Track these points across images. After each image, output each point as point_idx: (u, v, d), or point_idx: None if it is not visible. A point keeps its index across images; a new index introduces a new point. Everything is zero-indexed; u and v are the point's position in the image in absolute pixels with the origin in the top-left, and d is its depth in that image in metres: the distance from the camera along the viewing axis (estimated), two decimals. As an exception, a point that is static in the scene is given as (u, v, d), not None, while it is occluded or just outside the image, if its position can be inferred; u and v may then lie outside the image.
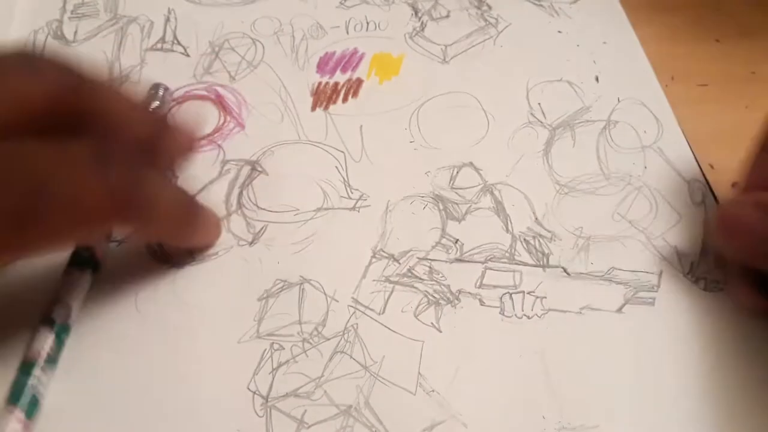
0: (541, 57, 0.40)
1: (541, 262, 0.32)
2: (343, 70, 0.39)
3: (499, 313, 0.30)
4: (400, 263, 0.31)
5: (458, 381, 0.28)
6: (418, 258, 0.31)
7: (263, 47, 0.40)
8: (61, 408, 0.27)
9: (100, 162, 0.23)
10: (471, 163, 0.35)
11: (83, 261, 0.29)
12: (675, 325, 0.30)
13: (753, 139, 0.30)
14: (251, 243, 0.32)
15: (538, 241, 0.32)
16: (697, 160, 0.35)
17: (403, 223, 0.33)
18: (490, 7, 0.43)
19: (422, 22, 0.42)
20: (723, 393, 0.28)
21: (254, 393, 0.28)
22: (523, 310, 0.30)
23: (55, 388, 0.27)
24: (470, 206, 0.33)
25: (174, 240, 0.30)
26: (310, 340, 0.29)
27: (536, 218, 0.33)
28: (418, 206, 0.33)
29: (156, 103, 0.35)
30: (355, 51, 0.40)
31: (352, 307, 0.30)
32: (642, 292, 0.31)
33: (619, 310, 0.30)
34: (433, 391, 0.28)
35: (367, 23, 0.41)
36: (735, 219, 0.28)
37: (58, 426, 0.27)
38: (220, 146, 0.35)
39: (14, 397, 0.26)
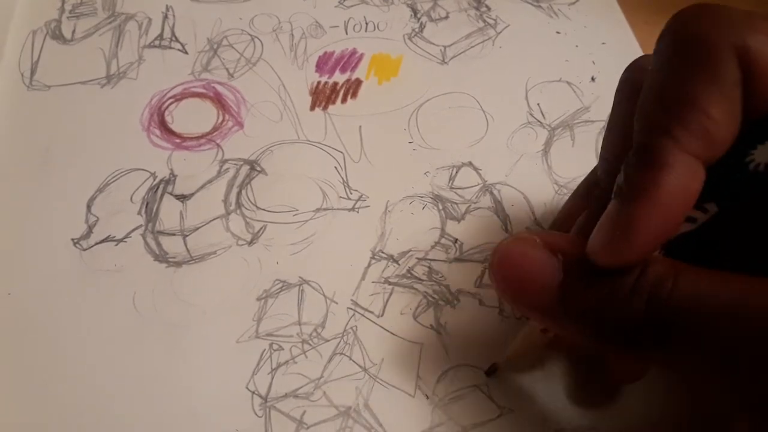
0: (540, 58, 0.40)
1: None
2: (342, 70, 0.39)
3: (499, 313, 0.30)
4: (399, 264, 0.31)
5: (457, 382, 0.28)
6: (417, 258, 0.31)
7: (262, 45, 0.40)
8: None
9: None
10: (470, 163, 0.35)
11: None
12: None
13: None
14: (250, 243, 0.32)
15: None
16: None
17: (402, 224, 0.33)
18: (489, 9, 0.43)
19: (421, 23, 0.42)
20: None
21: (253, 393, 0.28)
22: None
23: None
24: (469, 206, 0.33)
25: None
26: (310, 341, 0.29)
27: (535, 218, 0.33)
28: (418, 206, 0.33)
29: None
30: (354, 51, 0.40)
31: (351, 309, 0.30)
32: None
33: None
34: (432, 393, 0.28)
35: (366, 24, 0.41)
36: (512, 261, 0.21)
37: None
38: (218, 145, 0.35)
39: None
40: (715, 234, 0.20)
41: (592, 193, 0.27)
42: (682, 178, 0.18)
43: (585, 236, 0.20)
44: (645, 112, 0.20)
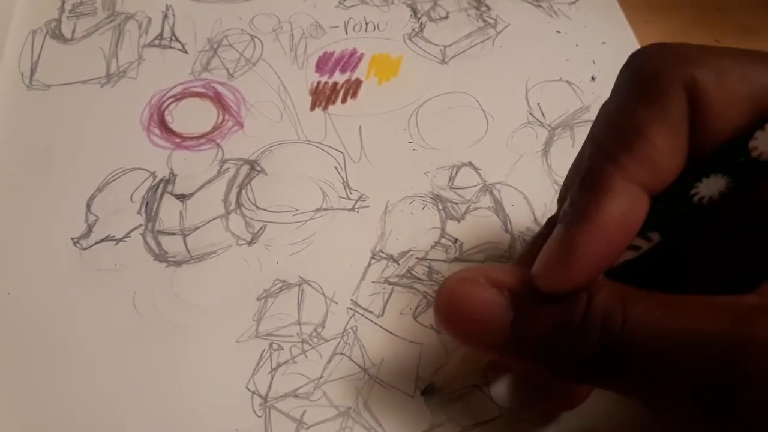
0: (540, 57, 0.40)
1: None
2: (342, 71, 0.39)
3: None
4: (399, 264, 0.31)
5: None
6: (417, 258, 0.31)
7: (262, 45, 0.40)
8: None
9: None
10: (470, 163, 0.35)
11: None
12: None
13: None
14: (250, 243, 0.32)
15: (537, 242, 0.32)
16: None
17: (402, 224, 0.33)
18: (489, 8, 0.43)
19: (421, 23, 0.42)
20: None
21: (253, 393, 0.28)
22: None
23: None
24: (469, 206, 0.33)
25: None
26: (310, 341, 0.29)
27: (535, 218, 0.33)
28: (418, 206, 0.33)
29: None
30: (354, 51, 0.40)
31: (351, 309, 0.30)
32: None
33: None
34: (432, 393, 0.28)
35: (366, 24, 0.41)
36: (458, 306, 0.21)
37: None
38: (218, 145, 0.35)
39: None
40: (654, 261, 0.21)
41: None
42: (624, 205, 0.19)
43: (530, 266, 0.20)
44: (594, 137, 0.20)
